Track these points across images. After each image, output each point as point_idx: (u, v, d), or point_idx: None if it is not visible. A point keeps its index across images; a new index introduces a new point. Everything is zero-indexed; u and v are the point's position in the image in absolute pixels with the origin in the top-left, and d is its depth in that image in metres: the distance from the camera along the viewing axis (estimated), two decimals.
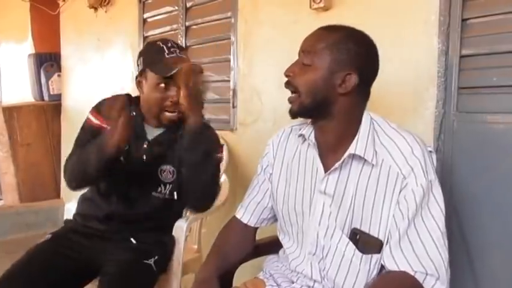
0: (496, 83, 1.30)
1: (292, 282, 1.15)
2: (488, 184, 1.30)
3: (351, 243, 1.02)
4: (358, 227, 1.02)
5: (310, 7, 1.67)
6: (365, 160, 1.00)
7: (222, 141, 1.81)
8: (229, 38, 2.10)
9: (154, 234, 1.56)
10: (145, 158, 1.50)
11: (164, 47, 1.45)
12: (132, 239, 1.53)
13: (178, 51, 1.47)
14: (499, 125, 1.29)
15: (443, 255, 0.95)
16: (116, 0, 2.92)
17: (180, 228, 1.67)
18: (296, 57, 1.09)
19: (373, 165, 1.00)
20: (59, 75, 3.76)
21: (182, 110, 1.36)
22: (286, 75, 1.06)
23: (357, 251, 1.02)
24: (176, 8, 2.41)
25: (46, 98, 3.82)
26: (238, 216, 1.29)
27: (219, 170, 1.53)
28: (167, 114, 1.48)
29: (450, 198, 1.38)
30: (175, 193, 1.53)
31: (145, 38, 2.66)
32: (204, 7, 2.26)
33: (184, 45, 2.36)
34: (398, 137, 1.02)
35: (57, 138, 3.81)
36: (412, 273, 0.94)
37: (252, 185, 1.29)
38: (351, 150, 1.01)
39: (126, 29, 2.81)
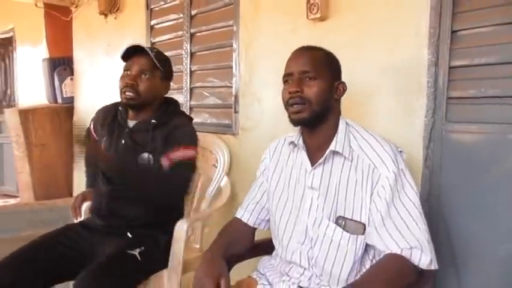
0: (484, 93, 1.33)
1: (283, 275, 1.25)
2: (475, 192, 1.34)
3: (338, 227, 1.16)
4: (342, 215, 1.16)
5: (307, 17, 1.73)
6: (345, 157, 1.18)
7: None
8: (232, 46, 2.17)
9: (150, 229, 1.65)
10: (123, 141, 1.65)
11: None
12: (129, 233, 1.62)
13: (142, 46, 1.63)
14: (486, 135, 1.33)
15: (422, 229, 1.09)
16: (125, 7, 3.01)
17: (181, 228, 1.75)
18: None
19: (351, 160, 1.17)
20: (71, 79, 3.88)
21: (135, 92, 1.59)
22: (295, 91, 1.18)
23: (344, 232, 1.15)
24: (182, 15, 2.48)
25: (59, 100, 3.95)
26: (238, 216, 1.42)
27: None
28: (123, 95, 1.62)
29: (438, 206, 1.42)
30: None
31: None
32: (208, 15, 2.33)
33: (189, 52, 2.44)
34: (370, 137, 1.20)
35: (70, 139, 3.93)
36: (399, 250, 1.07)
37: (251, 188, 1.43)
38: (331, 147, 1.19)
39: (134, 34, 2.90)
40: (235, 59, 2.15)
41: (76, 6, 3.64)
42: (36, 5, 3.99)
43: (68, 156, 3.96)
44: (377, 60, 1.57)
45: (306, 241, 1.21)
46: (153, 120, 1.64)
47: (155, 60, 1.62)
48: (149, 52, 1.62)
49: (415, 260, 1.06)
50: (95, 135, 1.83)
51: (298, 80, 1.20)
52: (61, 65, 3.93)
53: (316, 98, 1.18)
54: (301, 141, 1.27)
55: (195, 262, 1.87)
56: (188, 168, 1.70)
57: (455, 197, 1.38)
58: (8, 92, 5.21)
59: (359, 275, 1.14)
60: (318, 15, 1.69)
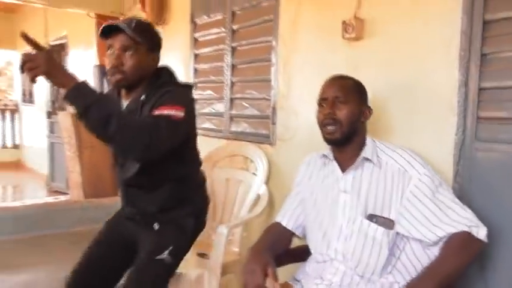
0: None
1: (316, 279, 1.40)
2: (504, 210, 1.40)
3: (372, 223, 1.34)
4: (372, 213, 1.34)
5: (342, 37, 1.82)
6: (373, 164, 1.38)
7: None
8: (270, 60, 2.28)
9: (174, 214, 1.64)
10: None
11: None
12: (156, 224, 1.63)
13: (122, 24, 1.49)
14: None
15: (468, 211, 1.29)
16: (171, 20, 3.19)
17: (222, 233, 1.89)
18: None
19: (379, 167, 1.37)
20: None
21: (121, 72, 1.48)
22: (328, 113, 1.39)
23: (379, 227, 1.33)
24: (224, 30, 2.63)
25: None
26: (277, 220, 1.60)
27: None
28: (111, 78, 1.53)
29: None
30: None
31: (195, 55, 2.91)
32: (249, 30, 2.46)
33: (230, 64, 2.58)
34: (396, 148, 1.41)
35: None
36: (459, 231, 1.24)
37: (289, 197, 1.63)
38: (363, 154, 1.39)
39: (179, 46, 3.07)
40: (273, 73, 2.27)
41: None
42: (88, 15, 4.27)
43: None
44: (409, 80, 1.65)
45: (341, 237, 1.39)
46: (142, 97, 1.53)
47: (133, 35, 1.48)
48: (125, 29, 1.47)
49: (476, 234, 1.23)
50: None
51: (331, 103, 1.40)
52: None
53: (346, 119, 1.38)
54: (332, 156, 1.48)
55: (234, 265, 2.02)
56: (169, 124, 1.41)
57: (484, 212, 1.44)
58: (61, 94, 5.56)
59: (390, 266, 1.33)
60: (353, 35, 1.78)
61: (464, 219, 1.26)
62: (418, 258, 1.33)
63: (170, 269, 1.63)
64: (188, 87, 1.68)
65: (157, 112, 1.41)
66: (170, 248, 1.59)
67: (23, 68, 1.25)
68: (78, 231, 3.74)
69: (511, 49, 1.39)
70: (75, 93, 1.29)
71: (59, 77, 1.29)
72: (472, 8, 1.45)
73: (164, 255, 1.57)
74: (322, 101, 1.44)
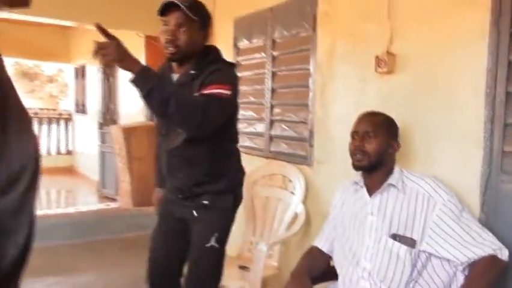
0: None
1: None
2: None
3: (395, 241, 1.50)
4: (396, 232, 1.51)
5: (375, 70, 1.95)
6: (398, 189, 1.54)
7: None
8: (308, 86, 2.44)
9: (213, 188, 1.77)
10: None
11: None
12: (194, 212, 1.78)
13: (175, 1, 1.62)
14: None
15: (490, 234, 1.46)
16: (216, 43, 3.38)
17: (261, 249, 2.06)
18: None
19: (404, 193, 1.54)
20: None
21: (176, 46, 1.62)
22: (359, 146, 1.58)
23: (402, 245, 1.48)
24: (265, 55, 2.80)
25: (155, 120, 4.48)
26: (315, 244, 1.79)
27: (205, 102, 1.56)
28: (165, 51, 1.67)
29: None
30: None
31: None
32: (288, 57, 2.63)
33: (270, 88, 2.75)
34: (422, 176, 1.58)
35: None
36: (487, 254, 1.39)
37: (326, 221, 1.82)
38: (389, 181, 1.57)
39: None
40: (311, 98, 2.42)
41: None
42: (138, 35, 4.57)
43: None
44: (438, 113, 1.75)
45: (368, 255, 1.55)
46: (191, 71, 1.68)
47: (189, 13, 1.62)
48: (182, 6, 1.62)
49: (500, 256, 1.40)
50: None
51: (361, 137, 1.59)
52: None
53: (374, 152, 1.57)
54: (362, 182, 1.65)
55: (273, 279, 2.18)
56: (218, 102, 1.58)
57: (508, 238, 1.53)
58: (111, 107, 5.93)
59: (413, 282, 1.48)
60: (385, 70, 1.90)
61: (488, 242, 1.42)
62: (438, 274, 1.49)
63: (221, 252, 1.83)
64: (234, 66, 1.83)
65: (207, 91, 1.57)
66: (216, 234, 1.76)
67: (96, 55, 1.46)
68: (128, 237, 4.02)
69: None
70: (140, 77, 1.48)
71: (127, 63, 1.48)
72: (498, 49, 1.55)
73: (212, 242, 1.75)
74: (354, 133, 1.63)
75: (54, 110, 8.60)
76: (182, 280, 1.90)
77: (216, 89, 1.59)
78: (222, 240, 1.80)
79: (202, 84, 1.62)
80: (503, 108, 1.55)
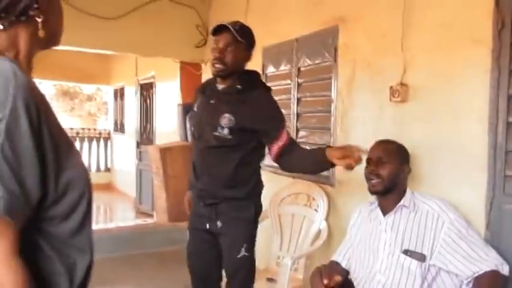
0: None
1: None
2: None
3: (407, 256, 1.68)
4: (407, 248, 1.69)
5: (390, 99, 2.14)
6: (409, 210, 1.73)
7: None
8: (330, 112, 2.64)
9: (237, 193, 1.97)
10: (213, 101, 1.97)
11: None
12: (219, 222, 1.98)
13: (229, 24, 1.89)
14: None
15: (493, 250, 1.63)
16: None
17: (286, 264, 2.25)
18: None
19: (415, 213, 1.72)
20: None
21: (223, 64, 1.88)
22: (373, 170, 1.77)
23: (413, 259, 1.66)
24: (290, 82, 3.03)
25: (189, 139, 4.76)
26: (333, 258, 1.99)
27: None
28: (213, 68, 1.94)
29: None
30: (229, 134, 1.91)
31: None
32: (312, 84, 2.85)
33: (295, 112, 2.97)
34: (432, 197, 1.77)
35: None
36: (490, 269, 1.55)
37: (345, 238, 2.01)
38: (401, 203, 1.75)
39: None
40: (332, 123, 2.62)
41: (206, 64, 4.42)
42: (174, 61, 4.90)
43: None
44: (446, 140, 1.92)
45: (382, 269, 1.73)
46: (238, 86, 1.95)
47: (237, 35, 1.88)
48: (232, 29, 1.87)
49: (502, 271, 1.57)
50: (193, 105, 2.17)
51: (375, 163, 1.76)
52: (191, 110, 4.75)
53: (387, 176, 1.76)
54: (376, 203, 1.85)
55: None
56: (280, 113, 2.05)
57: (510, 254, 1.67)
58: (148, 127, 6.29)
59: None
60: (399, 99, 2.09)
61: (492, 258, 1.59)
62: (447, 286, 1.66)
63: (252, 259, 2.03)
64: (270, 90, 2.12)
65: (281, 142, 1.93)
66: (245, 245, 1.98)
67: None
68: (164, 251, 4.28)
69: None
70: None
71: None
72: (498, 83, 1.72)
73: (242, 252, 1.97)
74: (369, 159, 1.82)
75: (94, 129, 9.08)
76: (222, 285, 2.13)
77: (287, 134, 1.98)
78: (251, 248, 2.02)
79: (259, 110, 1.95)
80: (504, 136, 1.71)
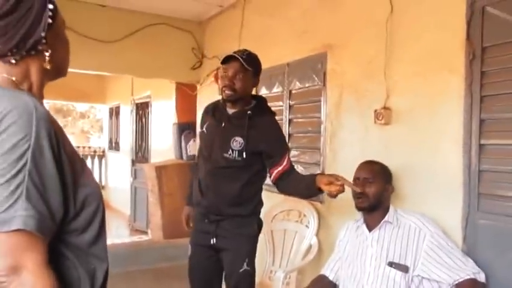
0: (505, 193, 1.78)
1: None
2: (504, 266, 1.76)
3: (392, 268, 1.83)
4: (392, 260, 1.84)
5: (374, 122, 2.30)
6: (393, 225, 1.88)
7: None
8: (320, 133, 2.80)
9: (240, 211, 2.12)
10: (223, 124, 2.12)
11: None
12: (213, 240, 2.12)
13: (237, 54, 2.05)
14: (507, 224, 1.76)
15: (470, 260, 1.78)
16: None
17: (279, 278, 2.37)
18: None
19: (398, 228, 1.88)
20: (194, 140, 4.82)
21: (232, 90, 2.02)
22: (361, 191, 1.90)
23: (397, 271, 1.81)
24: (282, 104, 3.19)
25: (184, 157, 4.90)
26: (322, 272, 2.12)
27: None
28: (223, 93, 2.09)
29: None
30: (239, 156, 2.06)
31: None
32: (303, 107, 3.02)
33: (288, 133, 3.12)
34: (414, 213, 1.93)
35: None
36: (468, 277, 1.71)
37: (333, 253, 2.15)
38: (385, 219, 1.91)
39: None
40: (322, 143, 2.78)
41: (201, 84, 4.59)
42: (170, 82, 5.07)
43: None
44: (426, 160, 2.08)
45: (369, 281, 1.88)
46: (249, 112, 2.09)
47: (244, 64, 2.03)
48: (240, 58, 2.03)
49: (479, 279, 1.73)
50: (201, 125, 2.29)
51: (362, 182, 1.93)
52: (187, 129, 4.91)
53: (372, 195, 1.93)
54: (362, 220, 2.01)
55: None
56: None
57: (488, 268, 1.80)
58: (143, 145, 6.41)
59: None
60: (382, 122, 2.25)
61: (469, 268, 1.75)
62: None
63: (253, 273, 2.16)
64: (275, 114, 2.26)
65: (282, 168, 2.08)
66: (246, 260, 2.11)
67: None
68: (159, 268, 4.36)
69: (503, 142, 1.80)
70: None
71: None
72: (471, 109, 1.89)
73: (244, 266, 2.09)
74: (356, 179, 1.98)
75: (89, 147, 9.17)
76: None
77: (287, 159, 2.12)
78: (251, 262, 2.15)
79: (266, 136, 2.09)
80: (477, 157, 1.87)
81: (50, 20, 0.96)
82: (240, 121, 2.10)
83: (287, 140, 3.09)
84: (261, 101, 2.24)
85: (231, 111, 2.15)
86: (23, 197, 0.82)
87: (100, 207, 1.02)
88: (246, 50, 2.12)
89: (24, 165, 0.83)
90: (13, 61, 0.95)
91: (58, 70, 1.06)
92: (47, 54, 0.98)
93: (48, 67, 0.99)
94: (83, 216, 0.97)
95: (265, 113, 2.18)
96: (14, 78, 0.96)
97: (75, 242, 0.97)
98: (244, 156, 2.05)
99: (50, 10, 0.96)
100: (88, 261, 0.98)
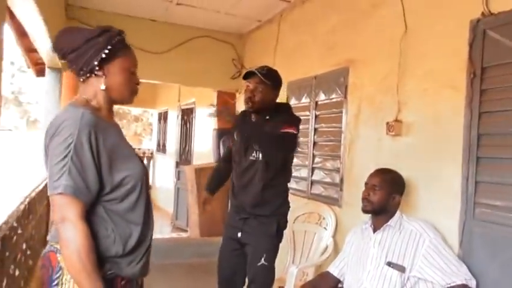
0: (501, 204, 1.91)
1: None
2: (495, 269, 1.89)
3: (390, 268, 2.01)
4: (390, 261, 2.01)
5: (386, 133, 2.48)
6: (395, 229, 2.07)
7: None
8: (340, 141, 3.00)
9: (264, 211, 2.38)
10: (249, 131, 2.39)
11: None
12: (239, 234, 2.41)
13: (257, 70, 2.33)
14: (503, 232, 1.89)
15: (464, 266, 1.93)
16: None
17: (292, 273, 2.59)
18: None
19: (400, 232, 2.05)
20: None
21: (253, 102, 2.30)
22: (366, 196, 2.12)
23: (394, 270, 1.99)
24: (309, 114, 3.41)
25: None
26: (327, 269, 2.34)
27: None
28: (246, 105, 2.37)
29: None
30: (261, 156, 2.33)
31: None
32: (327, 117, 3.23)
33: (312, 141, 3.34)
34: (416, 220, 2.11)
35: (226, 191, 5.12)
36: (460, 282, 1.86)
37: (341, 251, 2.36)
38: (388, 223, 2.10)
39: None
40: (342, 151, 2.98)
41: (240, 93, 4.89)
42: (212, 90, 5.41)
43: (224, 203, 5.15)
44: (430, 170, 2.24)
45: (369, 278, 2.07)
46: (267, 117, 2.36)
47: (264, 79, 2.29)
48: (259, 74, 2.30)
49: (470, 285, 1.87)
50: (232, 132, 2.62)
51: (369, 189, 2.12)
52: (225, 134, 5.20)
53: (376, 202, 2.12)
54: (370, 222, 2.17)
55: None
56: (290, 139, 2.30)
57: (483, 271, 1.93)
58: (187, 148, 6.81)
59: None
60: (393, 133, 2.43)
61: (462, 273, 1.90)
62: None
63: (271, 268, 2.39)
64: (299, 120, 2.44)
65: (281, 130, 2.24)
66: (264, 255, 2.34)
67: None
68: (194, 263, 4.69)
69: (498, 156, 1.93)
70: None
71: None
72: (470, 125, 2.03)
73: (262, 261, 2.33)
74: (366, 184, 2.18)
75: (139, 148, 9.76)
76: None
77: (287, 128, 2.26)
78: (270, 258, 2.38)
79: (276, 124, 2.26)
80: (474, 169, 2.01)
81: (104, 55, 1.33)
82: (261, 124, 2.38)
83: (312, 147, 3.32)
84: (283, 106, 2.49)
85: (254, 119, 2.44)
86: (66, 172, 1.21)
87: (137, 186, 1.38)
88: (265, 66, 2.39)
89: (69, 152, 1.22)
90: (81, 80, 1.37)
91: (117, 93, 1.42)
92: (102, 78, 1.36)
93: (103, 88, 1.36)
94: (121, 190, 1.34)
95: (279, 115, 2.36)
96: (86, 97, 1.36)
97: (114, 209, 1.34)
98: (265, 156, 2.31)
99: (109, 50, 1.33)
100: (124, 226, 1.34)
